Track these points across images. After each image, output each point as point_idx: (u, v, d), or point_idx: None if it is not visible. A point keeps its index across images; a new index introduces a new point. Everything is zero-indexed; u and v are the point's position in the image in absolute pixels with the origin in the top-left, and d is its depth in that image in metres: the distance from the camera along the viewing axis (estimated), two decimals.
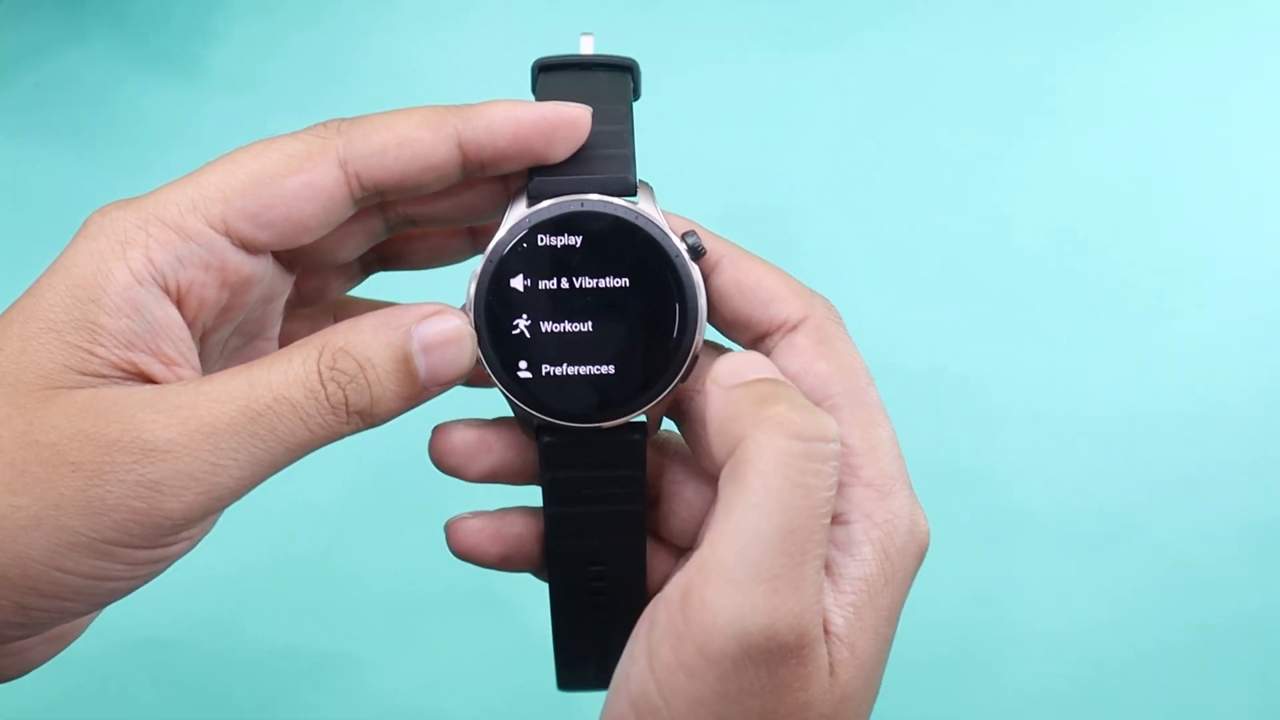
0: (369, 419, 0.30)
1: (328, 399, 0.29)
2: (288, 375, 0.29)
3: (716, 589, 0.26)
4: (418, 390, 0.30)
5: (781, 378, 0.29)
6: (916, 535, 0.30)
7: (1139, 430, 0.59)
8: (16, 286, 0.60)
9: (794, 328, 0.31)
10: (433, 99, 0.64)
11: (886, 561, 0.29)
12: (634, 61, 0.35)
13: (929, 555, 0.56)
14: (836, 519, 0.29)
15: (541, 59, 0.34)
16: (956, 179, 0.63)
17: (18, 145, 0.65)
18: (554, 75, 0.34)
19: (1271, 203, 0.62)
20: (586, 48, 0.35)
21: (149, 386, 0.29)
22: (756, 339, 0.32)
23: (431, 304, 0.31)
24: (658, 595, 0.28)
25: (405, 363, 0.30)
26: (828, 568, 0.29)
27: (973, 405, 0.59)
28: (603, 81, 0.34)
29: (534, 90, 0.34)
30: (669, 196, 0.63)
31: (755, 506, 0.26)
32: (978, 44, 0.65)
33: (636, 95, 0.35)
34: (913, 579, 0.30)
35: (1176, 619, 0.57)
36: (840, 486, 0.29)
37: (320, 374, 0.29)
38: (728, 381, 0.28)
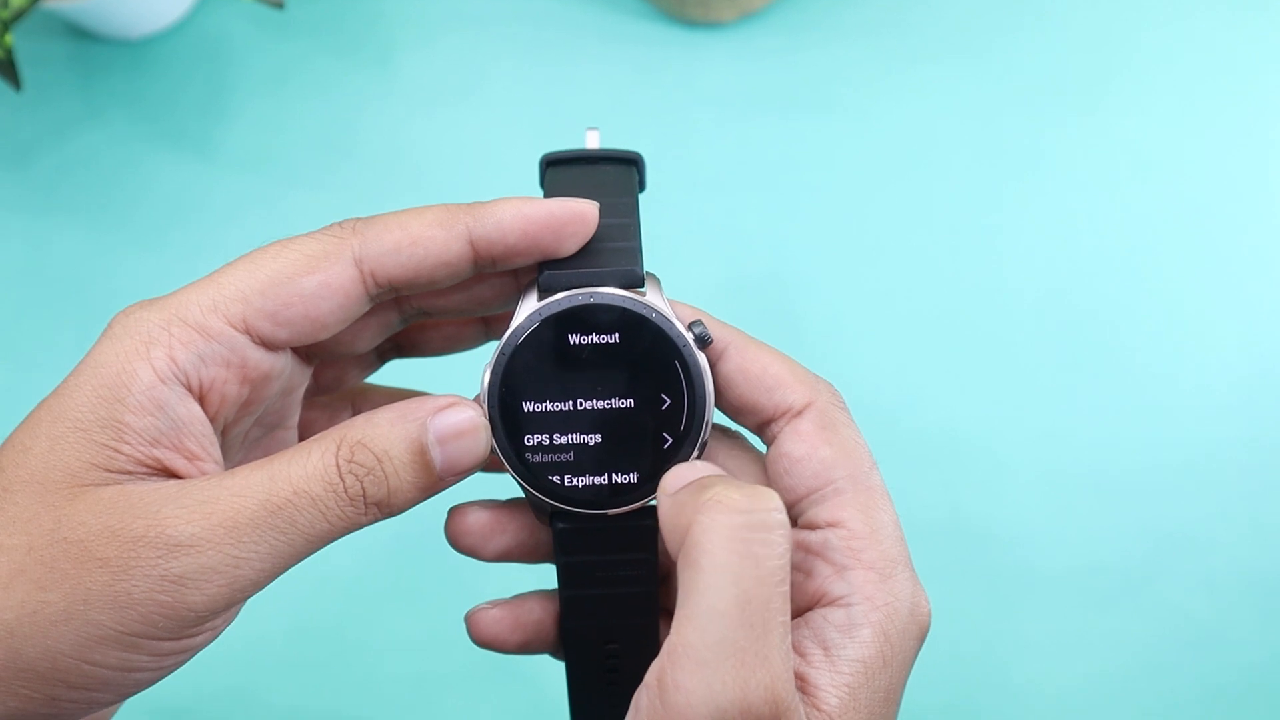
0: (386, 509, 0.31)
1: (346, 491, 0.30)
2: (307, 469, 0.29)
3: (686, 671, 0.26)
4: (434, 480, 0.31)
5: (723, 474, 0.30)
6: (917, 617, 0.31)
7: (1141, 486, 0.59)
8: (42, 359, 0.61)
9: (799, 413, 0.32)
10: (442, 174, 0.66)
11: (886, 643, 0.29)
12: (638, 155, 0.36)
13: (937, 611, 0.57)
14: (837, 601, 0.30)
15: (548, 154, 0.35)
16: (956, 241, 0.64)
17: (40, 224, 0.66)
18: (561, 170, 0.35)
19: (1267, 260, 0.63)
20: (592, 142, 0.36)
21: (173, 482, 0.29)
22: (762, 424, 0.33)
23: (446, 396, 0.31)
24: (641, 683, 0.28)
25: (421, 454, 0.30)
26: (825, 648, 0.29)
27: (977, 464, 0.60)
28: (609, 174, 0.35)
29: (542, 184, 0.35)
30: (671, 265, 0.64)
31: (709, 585, 0.26)
32: (974, 110, 0.66)
33: (642, 187, 0.36)
34: (914, 659, 0.31)
35: (1182, 675, 0.57)
36: (841, 570, 0.30)
37: (339, 467, 0.30)
38: (672, 488, 0.29)
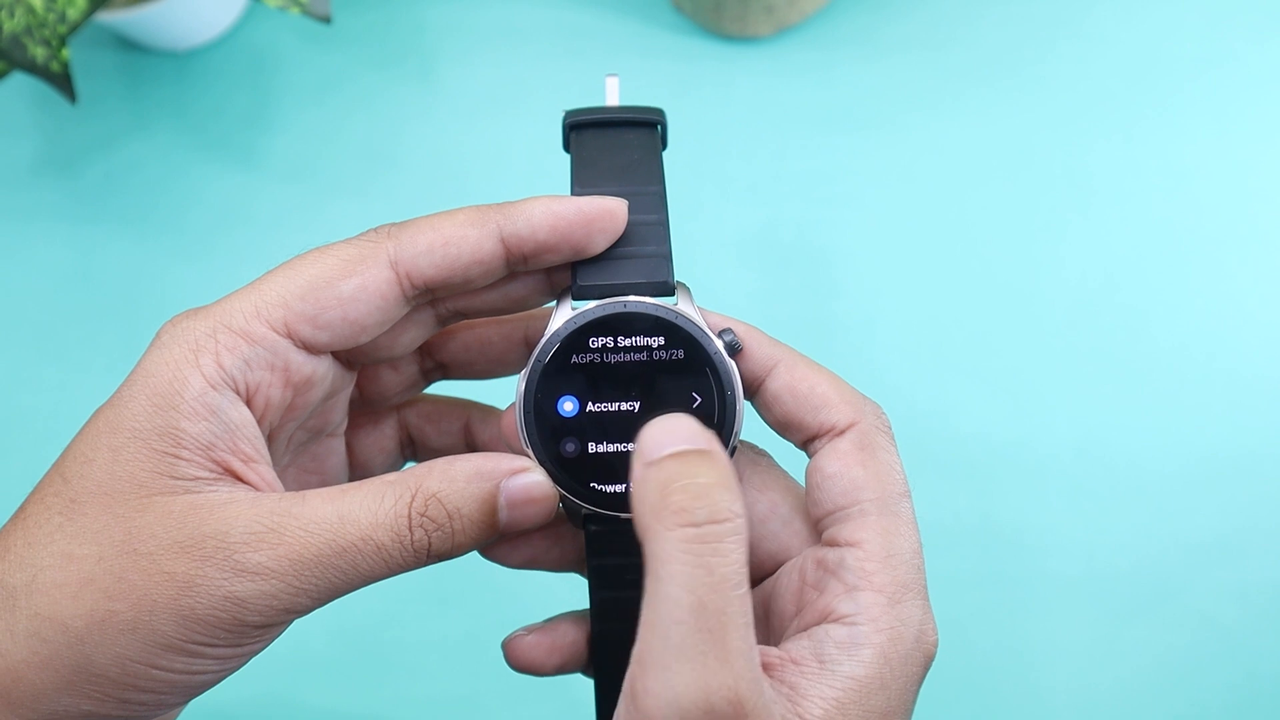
0: (441, 559, 0.32)
1: (412, 544, 0.31)
2: (377, 516, 0.30)
3: (651, 676, 0.27)
4: (492, 536, 0.32)
5: (698, 442, 0.28)
6: (923, 645, 0.30)
7: (1172, 494, 0.59)
8: (91, 362, 0.62)
9: (841, 433, 0.32)
10: (483, 183, 0.67)
11: (886, 666, 0.29)
12: (660, 112, 0.36)
13: (967, 617, 0.57)
14: (843, 619, 0.30)
15: (572, 114, 0.36)
16: (990, 255, 0.64)
17: (89, 232, 0.67)
18: (587, 137, 0.35)
19: None
20: (612, 92, 0.36)
21: (241, 495, 0.30)
22: (806, 441, 0.33)
23: (520, 458, 0.32)
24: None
25: (491, 515, 0.31)
26: (821, 660, 0.29)
27: (1008, 471, 0.60)
28: (635, 150, 0.35)
29: (565, 146, 0.36)
30: (709, 276, 0.64)
31: (666, 595, 0.26)
32: (1008, 125, 0.66)
33: (664, 144, 0.36)
34: (917, 686, 0.31)
35: (1212, 685, 0.56)
36: (851, 589, 0.30)
37: (410, 519, 0.30)
38: (649, 456, 0.28)
